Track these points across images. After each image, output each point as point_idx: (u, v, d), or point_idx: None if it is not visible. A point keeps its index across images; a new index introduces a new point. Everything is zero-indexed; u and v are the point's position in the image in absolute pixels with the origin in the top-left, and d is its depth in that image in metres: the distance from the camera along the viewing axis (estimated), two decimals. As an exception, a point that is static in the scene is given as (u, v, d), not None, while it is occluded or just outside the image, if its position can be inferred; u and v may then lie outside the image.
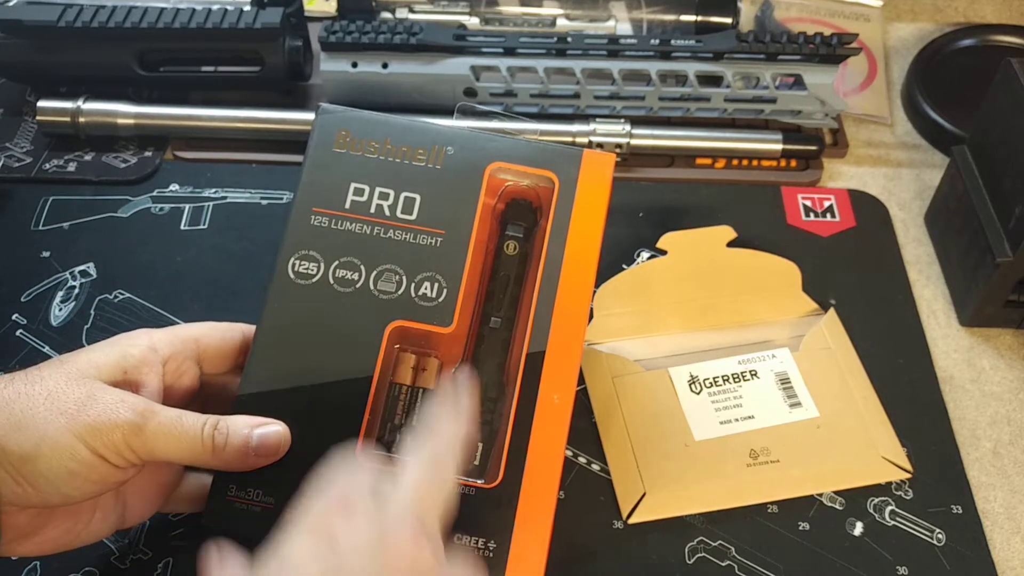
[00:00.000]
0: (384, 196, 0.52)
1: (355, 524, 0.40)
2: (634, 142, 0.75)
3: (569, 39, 0.75)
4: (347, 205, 0.52)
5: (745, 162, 0.77)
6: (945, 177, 0.71)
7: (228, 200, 0.73)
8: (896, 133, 0.82)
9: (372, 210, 0.52)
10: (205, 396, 0.52)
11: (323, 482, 0.42)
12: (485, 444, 0.51)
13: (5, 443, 0.42)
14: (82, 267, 0.69)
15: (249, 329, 0.52)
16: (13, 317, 0.66)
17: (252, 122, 0.77)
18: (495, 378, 0.52)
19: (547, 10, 0.84)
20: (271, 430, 0.47)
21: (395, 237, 0.51)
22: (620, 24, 0.84)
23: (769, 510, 0.58)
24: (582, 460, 0.60)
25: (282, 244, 0.51)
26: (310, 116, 0.73)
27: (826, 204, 0.74)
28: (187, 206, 0.73)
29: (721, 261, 0.69)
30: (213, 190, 0.74)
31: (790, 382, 0.62)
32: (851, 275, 0.69)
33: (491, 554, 0.47)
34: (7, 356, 0.64)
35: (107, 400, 0.44)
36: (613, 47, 0.74)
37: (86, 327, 0.65)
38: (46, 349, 0.64)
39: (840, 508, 0.58)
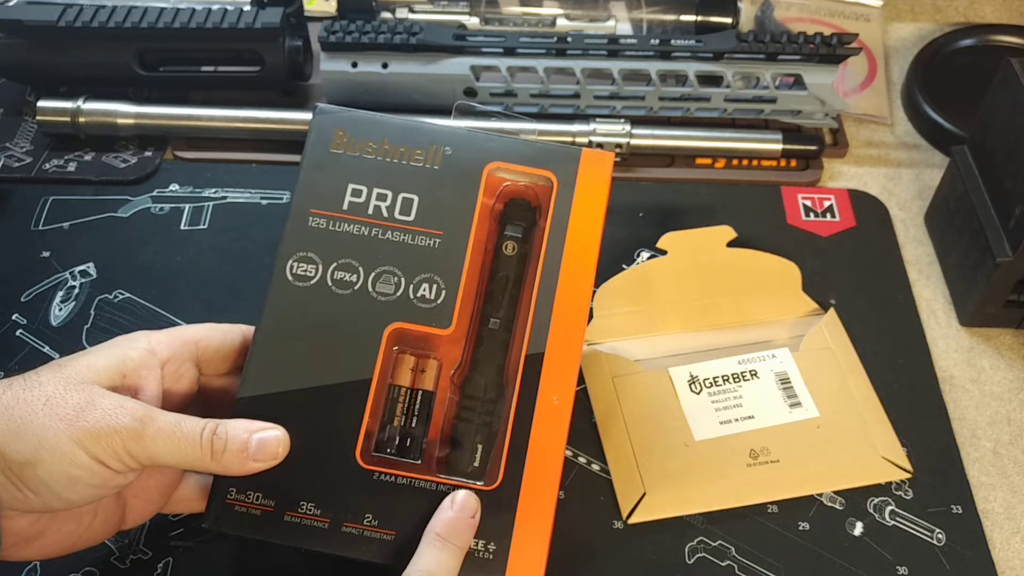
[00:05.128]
0: (382, 197, 0.52)
1: None
2: (634, 142, 0.75)
3: (569, 39, 0.75)
4: (345, 206, 0.52)
5: (745, 162, 0.77)
6: (945, 177, 0.71)
7: (228, 200, 0.73)
8: (896, 133, 0.82)
9: (370, 211, 0.52)
10: (205, 398, 0.52)
11: None
12: (485, 445, 0.51)
13: (5, 449, 0.42)
14: (82, 267, 0.69)
15: (249, 331, 0.52)
16: (13, 317, 0.66)
17: (252, 122, 0.77)
18: (494, 379, 0.52)
19: (547, 10, 0.84)
20: (270, 435, 0.47)
21: (393, 238, 0.51)
22: (620, 24, 0.84)
23: (769, 510, 0.58)
24: (582, 460, 0.60)
25: (280, 246, 0.51)
26: (310, 116, 0.73)
27: (826, 204, 0.74)
28: (187, 206, 0.73)
29: (721, 261, 0.69)
30: (213, 190, 0.74)
31: (790, 382, 0.62)
32: (851, 275, 0.69)
33: (491, 555, 0.47)
34: (7, 356, 0.64)
35: (106, 406, 0.44)
36: (613, 47, 0.74)
37: (86, 327, 0.65)
38: (46, 349, 0.64)
39: (840, 508, 0.58)
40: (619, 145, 0.75)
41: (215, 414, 0.47)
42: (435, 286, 0.51)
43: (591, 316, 0.65)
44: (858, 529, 0.57)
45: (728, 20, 0.82)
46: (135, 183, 0.74)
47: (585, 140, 0.75)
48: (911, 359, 0.65)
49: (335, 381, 0.49)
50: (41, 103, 0.76)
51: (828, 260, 0.70)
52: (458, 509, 0.47)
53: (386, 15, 0.84)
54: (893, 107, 0.83)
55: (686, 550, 0.56)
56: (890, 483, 0.59)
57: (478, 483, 0.49)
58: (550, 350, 0.50)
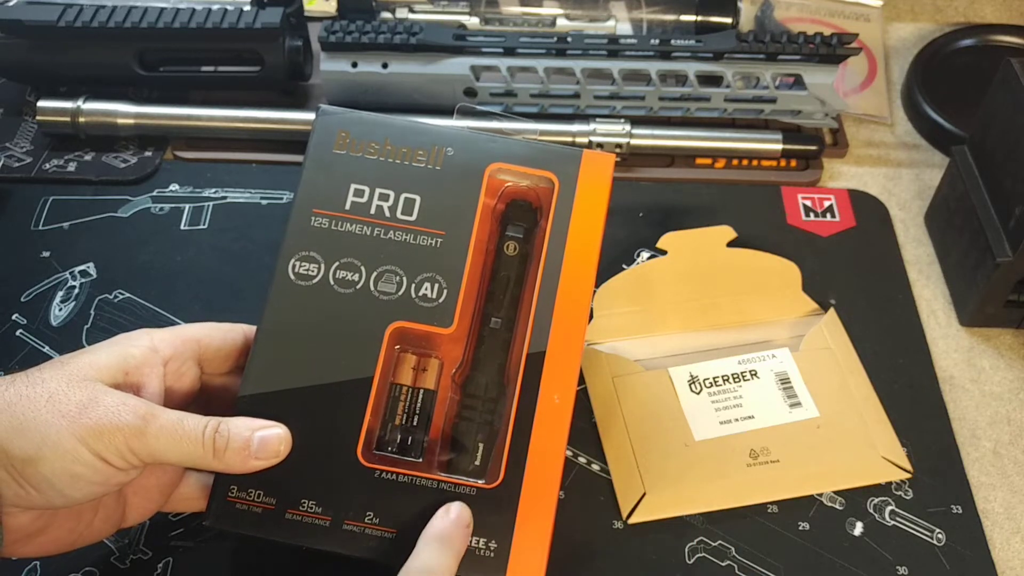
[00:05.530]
0: (384, 197, 0.52)
1: None
2: (634, 142, 0.75)
3: (569, 39, 0.75)
4: (347, 206, 0.52)
5: (745, 162, 0.77)
6: (945, 177, 0.71)
7: (228, 200, 0.73)
8: (896, 133, 0.82)
9: (372, 211, 0.52)
10: (206, 396, 0.52)
11: None
12: (486, 444, 0.51)
13: (7, 446, 0.42)
14: (82, 267, 0.69)
15: (250, 330, 0.52)
16: (13, 317, 0.66)
17: (252, 122, 0.77)
18: (495, 379, 0.52)
19: (547, 10, 0.84)
20: (271, 433, 0.47)
21: (395, 238, 0.51)
22: (620, 24, 0.84)
23: (769, 510, 0.58)
24: (582, 460, 0.60)
25: (282, 245, 0.51)
26: (310, 116, 0.73)
27: (826, 204, 0.74)
28: (187, 206, 0.73)
29: (721, 261, 0.69)
30: (213, 190, 0.74)
31: (790, 382, 0.62)
32: (851, 275, 0.70)
33: (492, 554, 0.47)
34: (7, 356, 0.64)
35: (108, 403, 0.44)
36: (613, 47, 0.75)
37: (86, 327, 0.65)
38: (46, 349, 0.64)
39: (840, 508, 0.58)
40: (619, 145, 0.75)
41: (216, 413, 0.47)
42: (437, 285, 0.51)
43: (591, 316, 0.65)
44: (858, 529, 0.57)
45: (728, 20, 0.82)
46: (135, 183, 0.74)
47: (585, 140, 0.75)
48: (911, 359, 0.65)
49: (337, 380, 0.49)
50: (41, 103, 0.76)
51: (828, 260, 0.70)
52: (454, 518, 0.47)
53: (386, 15, 0.84)
54: (893, 107, 0.83)
55: (686, 550, 0.56)
56: (890, 483, 0.59)
57: (479, 482, 0.49)
58: (551, 349, 0.50)
